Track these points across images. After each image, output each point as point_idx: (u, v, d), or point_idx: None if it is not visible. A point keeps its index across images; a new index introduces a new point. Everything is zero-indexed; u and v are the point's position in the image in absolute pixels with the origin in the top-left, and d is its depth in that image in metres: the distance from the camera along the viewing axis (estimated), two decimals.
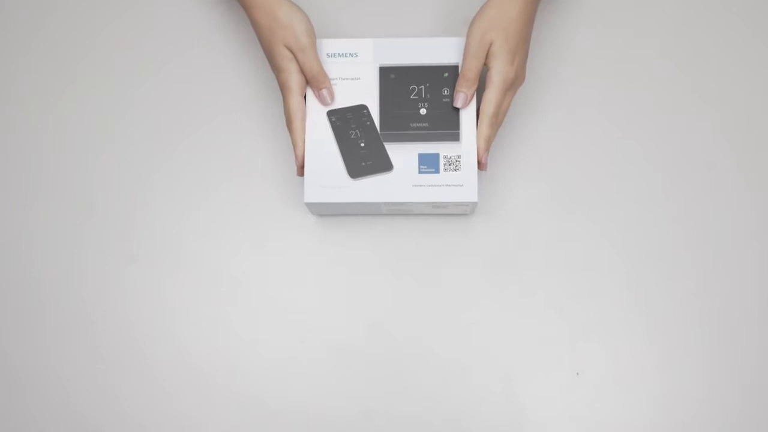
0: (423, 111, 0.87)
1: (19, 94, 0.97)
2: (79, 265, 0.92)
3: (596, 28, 0.96)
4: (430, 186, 0.85)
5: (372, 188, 0.85)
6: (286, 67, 0.86)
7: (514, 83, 0.86)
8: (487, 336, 0.90)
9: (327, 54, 0.88)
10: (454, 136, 0.86)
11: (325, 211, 0.90)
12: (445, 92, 0.87)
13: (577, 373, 0.89)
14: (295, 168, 0.92)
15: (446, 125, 0.86)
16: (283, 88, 0.87)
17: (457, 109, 0.86)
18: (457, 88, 0.86)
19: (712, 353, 0.89)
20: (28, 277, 0.93)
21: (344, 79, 0.88)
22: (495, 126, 0.86)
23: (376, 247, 0.92)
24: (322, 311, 0.91)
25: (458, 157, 0.85)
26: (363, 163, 0.85)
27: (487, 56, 0.85)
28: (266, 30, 0.87)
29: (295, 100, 0.86)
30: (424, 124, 0.86)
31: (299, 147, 0.86)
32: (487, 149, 0.86)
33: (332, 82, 0.88)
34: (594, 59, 0.95)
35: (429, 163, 0.85)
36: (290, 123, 0.86)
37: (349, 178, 0.85)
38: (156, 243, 0.93)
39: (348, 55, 0.88)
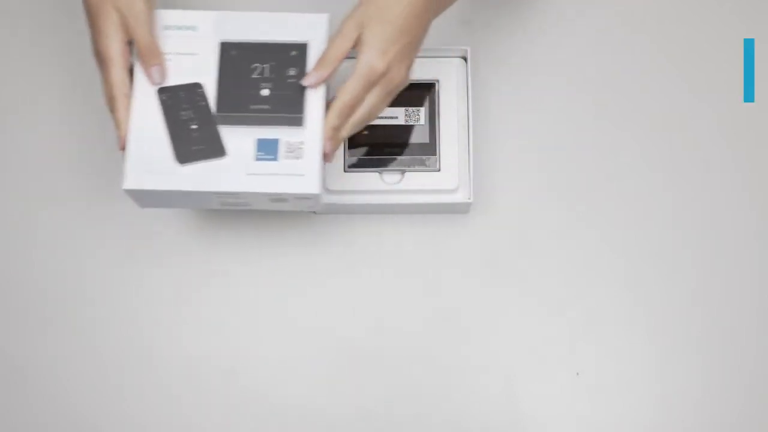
0: (265, 92, 0.77)
1: (19, 94, 0.96)
2: (78, 264, 0.93)
3: (594, 25, 0.96)
4: (267, 175, 0.75)
5: (202, 176, 0.75)
6: (108, 31, 0.74)
7: (383, 78, 0.75)
8: (487, 336, 0.89)
9: (164, 26, 0.78)
10: (297, 121, 0.76)
11: (150, 201, 0.79)
12: (291, 72, 0.77)
13: (577, 373, 0.89)
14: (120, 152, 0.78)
15: (289, 109, 0.76)
16: (101, 58, 0.75)
17: (304, 91, 0.77)
18: (313, 67, 0.77)
19: (712, 353, 0.89)
20: (28, 277, 0.92)
21: (180, 54, 0.78)
22: (347, 119, 0.76)
23: (375, 246, 0.91)
24: (322, 311, 0.91)
25: (301, 143, 0.76)
26: (193, 148, 0.75)
27: (357, 43, 0.75)
28: None
29: (117, 72, 0.75)
30: (266, 107, 0.77)
31: (122, 127, 0.75)
32: (333, 138, 0.76)
33: (166, 57, 0.77)
34: (591, 57, 0.95)
35: (267, 150, 0.76)
36: (112, 100, 0.75)
37: (177, 163, 0.75)
38: (155, 242, 0.92)
39: (185, 28, 0.78)
